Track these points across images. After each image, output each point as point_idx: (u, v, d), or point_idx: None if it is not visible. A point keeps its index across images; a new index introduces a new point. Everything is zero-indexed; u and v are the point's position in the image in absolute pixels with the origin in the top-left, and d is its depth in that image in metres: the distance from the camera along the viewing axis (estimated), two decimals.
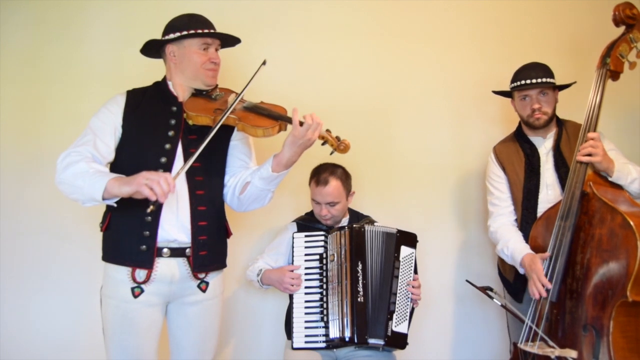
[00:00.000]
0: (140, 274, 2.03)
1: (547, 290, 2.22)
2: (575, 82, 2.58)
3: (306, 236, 2.51)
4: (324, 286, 2.43)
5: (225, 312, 2.85)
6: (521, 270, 2.41)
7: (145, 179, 1.85)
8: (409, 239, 2.48)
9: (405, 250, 2.45)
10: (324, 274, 2.45)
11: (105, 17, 2.84)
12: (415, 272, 2.47)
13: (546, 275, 2.23)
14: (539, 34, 3.13)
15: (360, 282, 2.37)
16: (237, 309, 2.92)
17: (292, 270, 2.45)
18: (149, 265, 2.02)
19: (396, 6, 3.09)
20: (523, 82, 2.51)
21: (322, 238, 2.49)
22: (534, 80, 2.48)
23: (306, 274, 2.46)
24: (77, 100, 2.60)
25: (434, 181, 3.08)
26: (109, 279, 2.08)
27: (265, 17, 2.94)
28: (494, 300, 2.34)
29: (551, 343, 2.16)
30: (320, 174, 2.55)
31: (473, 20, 3.13)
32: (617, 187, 2.31)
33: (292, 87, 2.89)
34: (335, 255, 2.43)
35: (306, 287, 2.45)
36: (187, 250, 2.08)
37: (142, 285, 2.03)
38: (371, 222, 2.65)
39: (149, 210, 1.86)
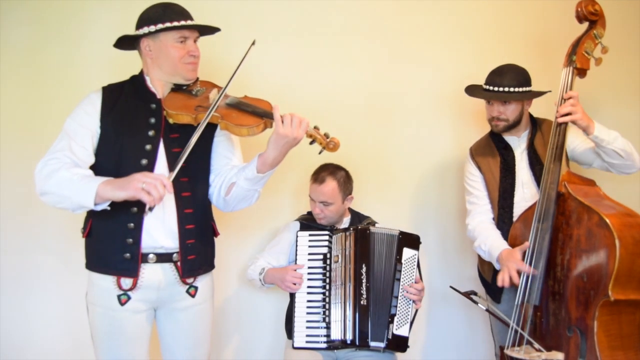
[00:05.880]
0: (126, 281, 1.97)
1: (527, 277, 2.20)
2: (550, 91, 2.53)
3: (310, 235, 2.48)
4: (327, 287, 2.42)
5: (225, 312, 2.87)
6: (497, 267, 2.40)
7: (142, 183, 1.76)
8: (412, 241, 2.46)
9: (407, 252, 2.43)
10: (327, 274, 2.43)
11: (105, 16, 2.79)
12: (419, 273, 2.46)
13: (527, 279, 2.22)
14: (518, 34, 3.09)
15: (364, 284, 2.36)
16: (237, 308, 2.91)
17: (296, 270, 2.43)
18: (134, 273, 1.95)
19: (392, 5, 3.04)
20: (486, 87, 2.51)
21: (327, 238, 2.47)
22: (495, 88, 2.47)
23: (309, 273, 2.44)
24: (76, 100, 2.53)
25: (433, 181, 3.05)
26: (94, 287, 2.01)
27: (263, 17, 2.90)
28: (479, 305, 2.34)
29: (537, 346, 2.16)
30: (320, 172, 2.54)
31: (467, 19, 3.08)
32: (592, 184, 2.31)
33: (289, 87, 2.86)
34: (340, 256, 2.42)
35: (308, 287, 2.43)
36: (175, 255, 2.00)
37: (129, 293, 1.97)
38: (372, 223, 2.63)
39: (145, 215, 1.80)
